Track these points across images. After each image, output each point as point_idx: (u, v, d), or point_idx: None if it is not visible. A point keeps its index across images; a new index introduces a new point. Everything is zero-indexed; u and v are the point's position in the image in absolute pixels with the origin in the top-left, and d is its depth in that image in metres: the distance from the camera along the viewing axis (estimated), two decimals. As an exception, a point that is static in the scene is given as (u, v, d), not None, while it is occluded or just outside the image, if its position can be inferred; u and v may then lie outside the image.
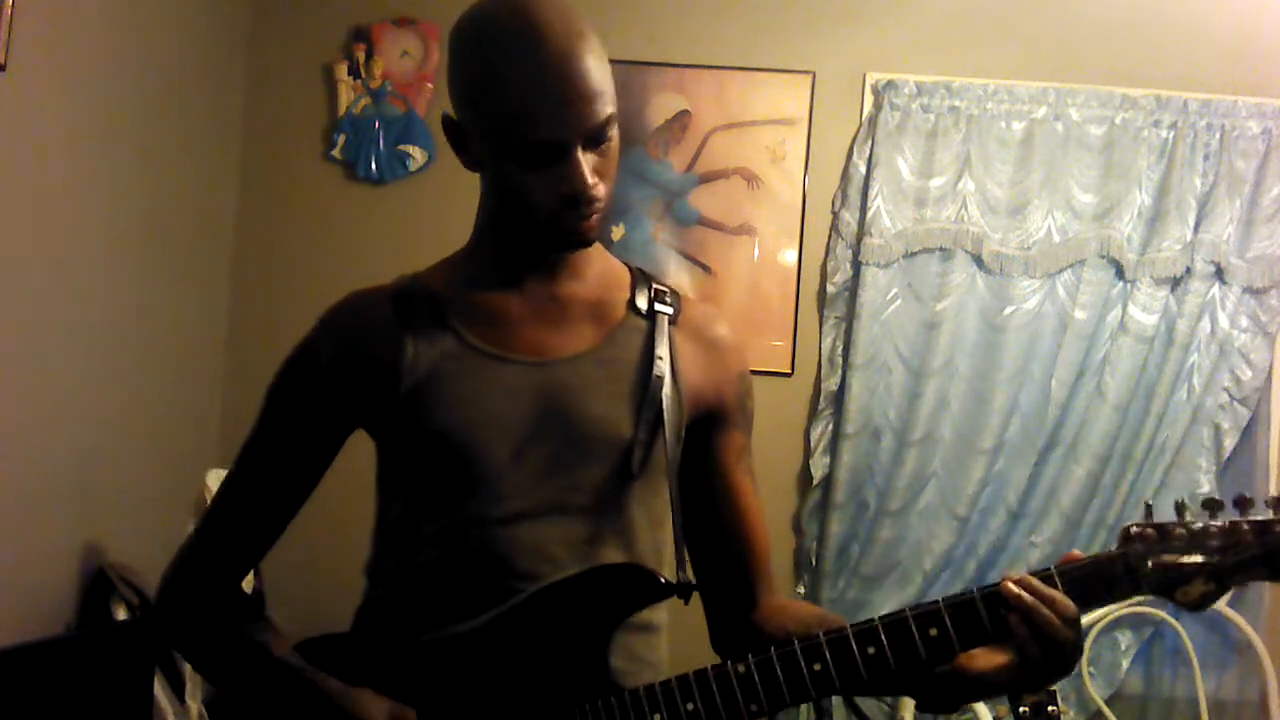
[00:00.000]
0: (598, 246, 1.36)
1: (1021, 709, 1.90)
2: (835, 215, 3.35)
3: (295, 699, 1.26)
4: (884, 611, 1.22)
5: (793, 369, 3.36)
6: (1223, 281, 3.24)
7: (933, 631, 1.19)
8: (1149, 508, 1.21)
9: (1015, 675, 1.19)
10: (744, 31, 3.40)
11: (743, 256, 3.37)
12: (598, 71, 1.21)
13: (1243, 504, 1.18)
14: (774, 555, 1.46)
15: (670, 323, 1.37)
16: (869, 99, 3.34)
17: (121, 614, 2.54)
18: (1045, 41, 3.35)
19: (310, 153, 3.41)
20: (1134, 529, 1.20)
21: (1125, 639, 3.26)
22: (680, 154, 3.37)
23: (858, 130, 3.34)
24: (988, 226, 3.25)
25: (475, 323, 1.32)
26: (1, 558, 2.32)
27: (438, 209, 3.26)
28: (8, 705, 2.09)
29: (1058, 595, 1.17)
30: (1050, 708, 1.90)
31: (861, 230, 3.27)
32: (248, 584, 1.41)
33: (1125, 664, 3.25)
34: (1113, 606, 2.86)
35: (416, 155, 3.38)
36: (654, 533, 1.35)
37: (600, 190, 1.24)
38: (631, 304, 1.36)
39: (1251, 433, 3.31)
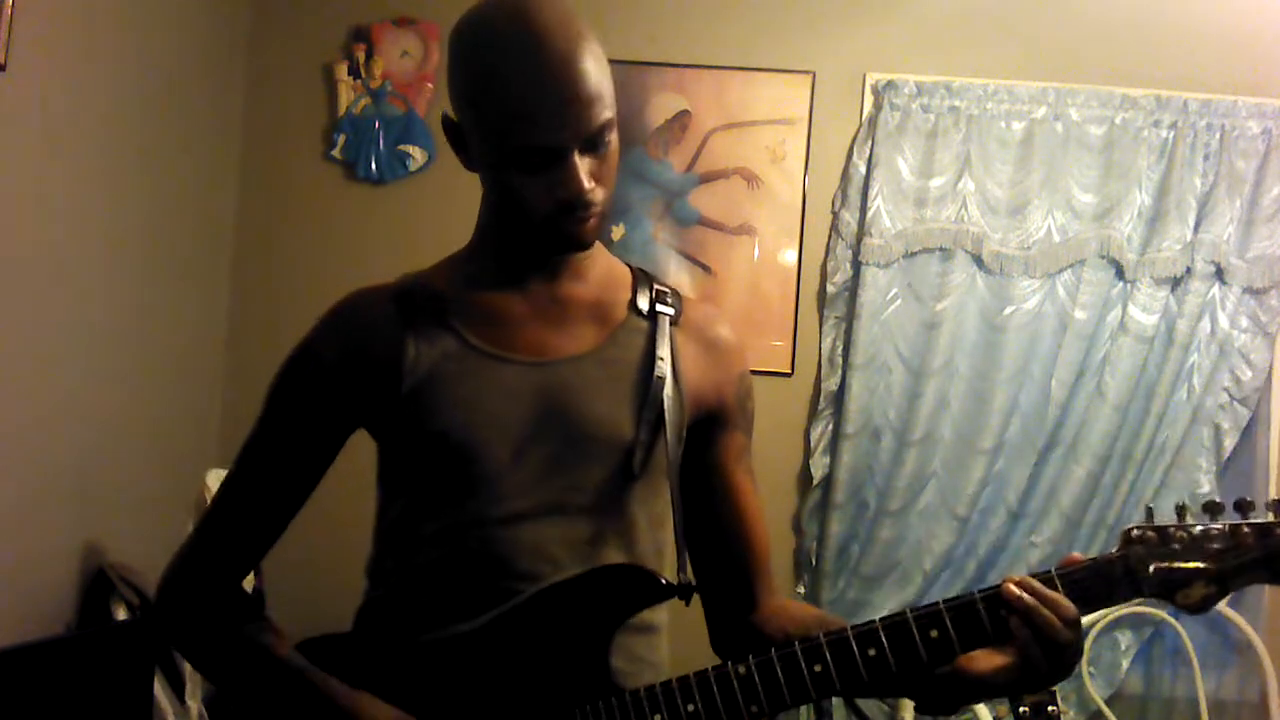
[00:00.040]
0: (599, 247, 1.36)
1: (1021, 709, 1.90)
2: (835, 215, 3.35)
3: (298, 701, 1.25)
4: (884, 612, 1.22)
5: (793, 369, 3.36)
6: (1223, 281, 3.24)
7: (933, 633, 1.19)
8: (1150, 510, 1.21)
9: (1015, 677, 1.19)
10: (744, 31, 3.40)
11: (743, 256, 3.37)
12: (596, 75, 1.20)
13: (1243, 507, 1.18)
14: (774, 555, 1.47)
15: (671, 323, 1.37)
16: (869, 99, 3.34)
17: (121, 614, 2.54)
18: (1045, 41, 3.35)
19: (310, 153, 3.41)
20: (1135, 531, 1.20)
21: (1125, 639, 3.26)
22: (680, 154, 3.37)
23: (858, 130, 3.34)
24: (988, 226, 3.25)
25: (476, 323, 1.32)
26: (1, 558, 2.32)
27: (438, 209, 3.26)
28: (8, 705, 2.09)
29: (1058, 597, 1.17)
30: (1050, 708, 1.90)
31: (861, 230, 3.27)
32: (248, 584, 1.41)
33: (1125, 664, 3.25)
34: (1113, 607, 2.86)
35: (416, 155, 3.38)
36: (655, 533, 1.35)
37: (598, 195, 1.24)
38: (633, 305, 1.36)
39: (1251, 433, 3.32)
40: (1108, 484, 3.24)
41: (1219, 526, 1.18)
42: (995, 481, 3.27)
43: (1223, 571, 1.17)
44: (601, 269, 1.38)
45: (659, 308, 1.37)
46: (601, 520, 1.29)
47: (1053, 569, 1.20)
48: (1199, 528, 1.19)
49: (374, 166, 3.38)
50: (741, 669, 1.21)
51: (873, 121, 3.30)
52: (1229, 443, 3.26)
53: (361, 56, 3.38)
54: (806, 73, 3.37)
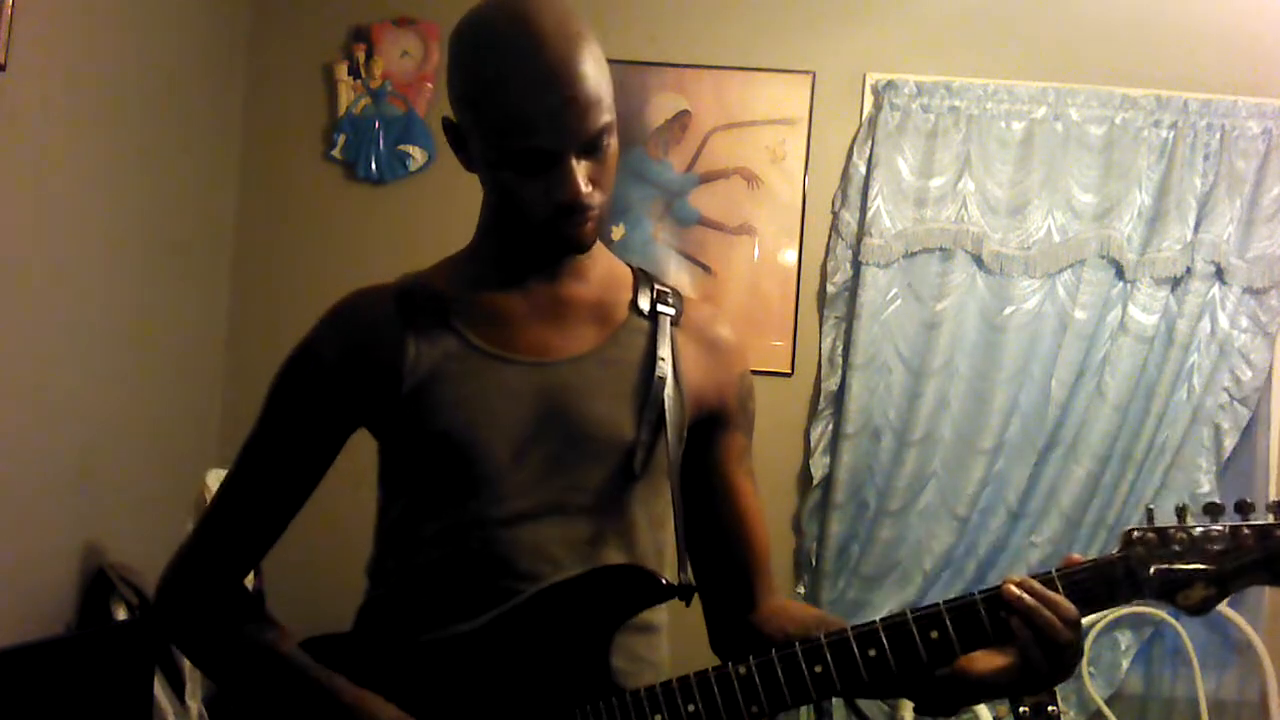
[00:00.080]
0: (600, 247, 1.36)
1: (1021, 709, 1.90)
2: (835, 215, 3.35)
3: (303, 698, 1.25)
4: (884, 612, 1.22)
5: (793, 369, 3.36)
6: (1223, 282, 3.24)
7: (934, 634, 1.19)
8: (1150, 512, 1.21)
9: (1016, 678, 1.19)
10: (744, 31, 3.40)
11: (743, 256, 3.37)
12: (595, 79, 1.20)
13: (1244, 508, 1.18)
14: (774, 555, 1.47)
15: (672, 323, 1.37)
16: (869, 99, 3.34)
17: (121, 614, 2.54)
18: (1045, 41, 3.35)
19: (310, 153, 3.41)
20: (1135, 533, 1.20)
21: (1125, 639, 3.26)
22: (680, 154, 3.37)
23: (858, 130, 3.34)
24: (988, 226, 3.26)
25: (477, 323, 1.32)
26: (1, 558, 2.32)
27: (438, 209, 3.26)
28: (8, 705, 2.09)
29: (1059, 598, 1.17)
30: (1050, 708, 1.90)
31: (861, 230, 3.28)
32: (247, 584, 1.41)
33: (1125, 664, 3.26)
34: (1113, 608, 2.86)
35: (416, 155, 3.38)
36: (655, 534, 1.35)
37: (595, 199, 1.24)
38: (634, 305, 1.36)
39: (1251, 433, 3.32)
40: (1108, 484, 3.24)
41: (1219, 528, 1.18)
42: (995, 481, 3.28)
43: (1223, 573, 1.17)
44: (602, 269, 1.38)
45: (660, 308, 1.37)
46: (602, 520, 1.29)
47: (1053, 570, 1.20)
48: (1199, 529, 1.19)
49: (374, 166, 3.38)
50: (742, 669, 1.21)
51: (873, 121, 3.30)
52: (1229, 443, 3.27)
53: (361, 56, 3.38)
54: (806, 73, 3.37)
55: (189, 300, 3.18)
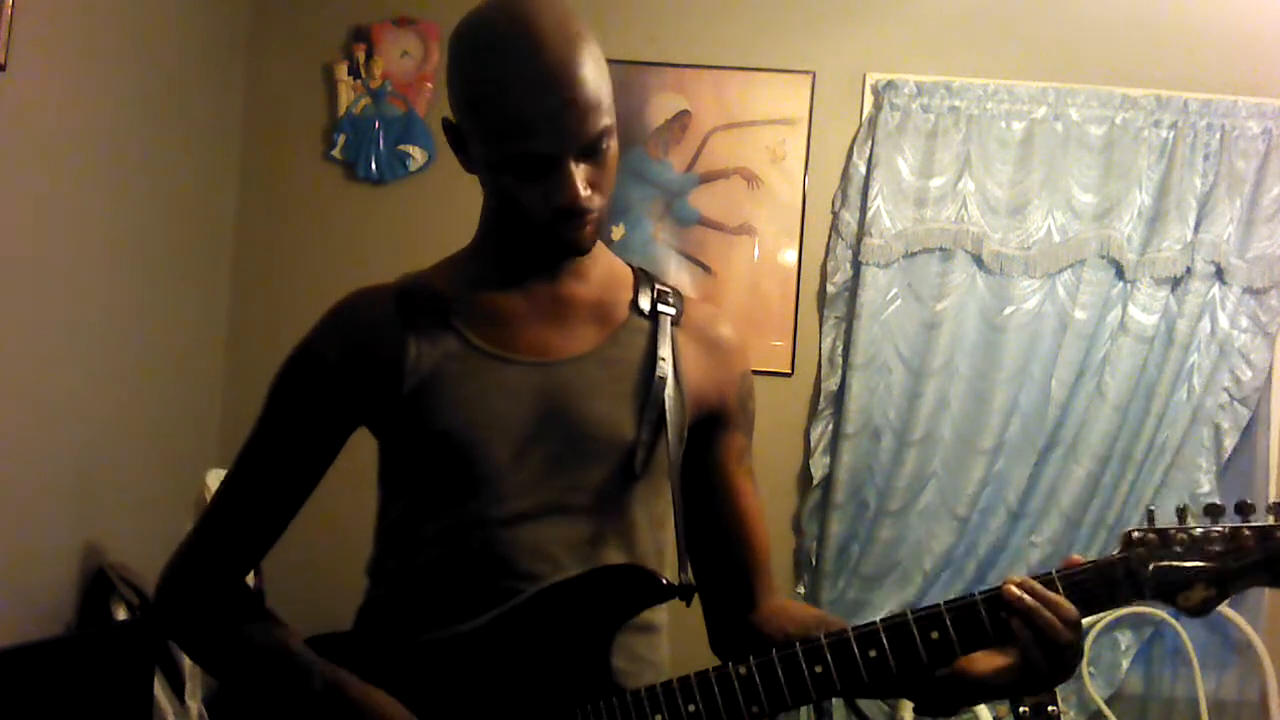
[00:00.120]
0: (601, 247, 1.36)
1: (1022, 709, 1.90)
2: (835, 215, 3.35)
3: (309, 695, 1.24)
4: (884, 612, 1.22)
5: (793, 369, 3.36)
6: (1223, 282, 3.24)
7: (934, 634, 1.19)
8: (1150, 512, 1.21)
9: (1016, 678, 1.20)
10: (744, 31, 3.40)
11: (743, 256, 3.37)
12: (595, 82, 1.20)
13: (1244, 509, 1.19)
14: (774, 555, 1.47)
15: (673, 323, 1.37)
16: (869, 99, 3.34)
17: (121, 614, 2.54)
18: (1045, 41, 3.35)
19: (310, 153, 3.41)
20: (1135, 533, 1.20)
21: (1125, 639, 3.26)
22: (680, 154, 3.37)
23: (858, 130, 3.34)
24: (988, 226, 3.26)
25: (478, 322, 1.32)
26: (1, 558, 2.32)
27: (438, 209, 3.26)
28: (8, 705, 2.09)
29: (1059, 599, 1.18)
30: (1050, 708, 1.90)
31: (861, 230, 3.28)
32: (248, 583, 1.41)
33: (1125, 664, 3.25)
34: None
35: (416, 155, 3.38)
36: (655, 534, 1.35)
37: (594, 202, 1.24)
38: (634, 305, 1.36)
39: (1251, 433, 3.32)
40: (1108, 484, 3.24)
41: (1219, 529, 1.18)
42: (995, 481, 3.27)
43: (1223, 574, 1.17)
44: (603, 269, 1.38)
45: (660, 307, 1.37)
46: (602, 520, 1.29)
47: (1054, 570, 1.20)
48: (1200, 530, 1.19)
49: (374, 166, 3.38)
50: (742, 669, 1.22)
51: (873, 121, 3.30)
52: (1229, 443, 3.26)
53: (361, 56, 3.38)
54: (806, 73, 3.37)
55: (189, 300, 3.17)
